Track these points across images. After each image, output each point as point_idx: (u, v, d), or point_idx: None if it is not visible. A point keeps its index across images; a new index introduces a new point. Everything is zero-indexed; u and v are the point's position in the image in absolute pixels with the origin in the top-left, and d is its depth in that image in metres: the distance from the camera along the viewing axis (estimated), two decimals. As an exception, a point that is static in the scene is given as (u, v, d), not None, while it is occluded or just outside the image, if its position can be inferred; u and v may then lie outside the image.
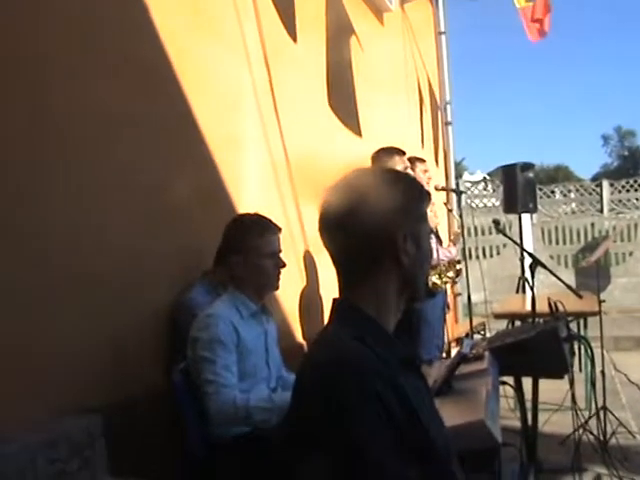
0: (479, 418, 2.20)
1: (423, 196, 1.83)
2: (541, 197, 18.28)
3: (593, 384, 5.24)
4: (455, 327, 8.58)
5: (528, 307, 4.79)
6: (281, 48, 5.38)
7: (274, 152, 5.11)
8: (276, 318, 3.79)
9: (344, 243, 1.74)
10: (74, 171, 3.15)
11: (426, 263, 1.84)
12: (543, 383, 4.09)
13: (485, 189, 19.98)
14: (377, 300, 1.73)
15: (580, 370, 6.85)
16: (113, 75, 3.46)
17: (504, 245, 14.79)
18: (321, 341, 1.73)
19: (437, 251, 5.58)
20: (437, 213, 5.63)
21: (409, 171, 5.34)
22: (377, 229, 1.70)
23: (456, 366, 2.75)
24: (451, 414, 2.32)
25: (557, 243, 14.80)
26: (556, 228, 14.95)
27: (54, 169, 3.04)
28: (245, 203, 4.50)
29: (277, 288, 3.57)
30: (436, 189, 5.88)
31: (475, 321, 7.35)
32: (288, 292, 4.64)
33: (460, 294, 10.03)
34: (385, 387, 1.54)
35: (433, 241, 5.21)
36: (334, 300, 1.78)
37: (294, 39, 5.59)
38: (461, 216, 6.24)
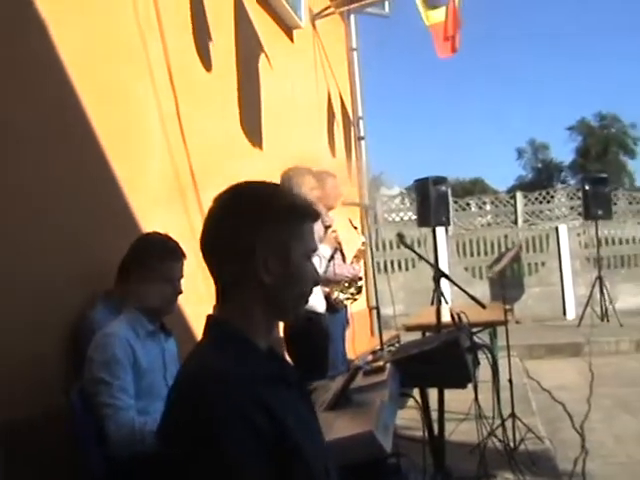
0: (368, 429, 2.23)
1: (299, 215, 1.80)
2: (457, 210, 18.64)
3: (498, 392, 5.35)
4: (371, 340, 8.64)
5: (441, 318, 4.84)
6: (188, 67, 5.38)
7: (180, 168, 5.09)
8: (181, 336, 3.77)
9: (211, 257, 1.76)
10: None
11: (299, 284, 1.78)
12: (455, 393, 4.13)
13: (402, 203, 20.21)
14: (245, 316, 1.73)
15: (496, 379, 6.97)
16: (21, 97, 3.49)
17: (420, 258, 14.93)
18: (192, 357, 1.74)
19: (340, 267, 5.65)
20: (339, 232, 5.68)
21: (314, 191, 5.39)
22: (236, 245, 1.71)
23: (351, 379, 2.78)
24: (344, 426, 2.35)
25: (472, 255, 15.01)
26: (470, 241, 15.17)
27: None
28: (150, 221, 4.46)
29: (169, 313, 3.54)
30: (343, 204, 5.94)
31: (390, 334, 7.42)
32: (193, 309, 4.61)
33: (375, 307, 10.11)
34: (252, 402, 1.56)
35: (323, 258, 5.25)
36: (207, 316, 1.79)
37: (202, 56, 5.59)
38: (377, 231, 6.32)
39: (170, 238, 3.51)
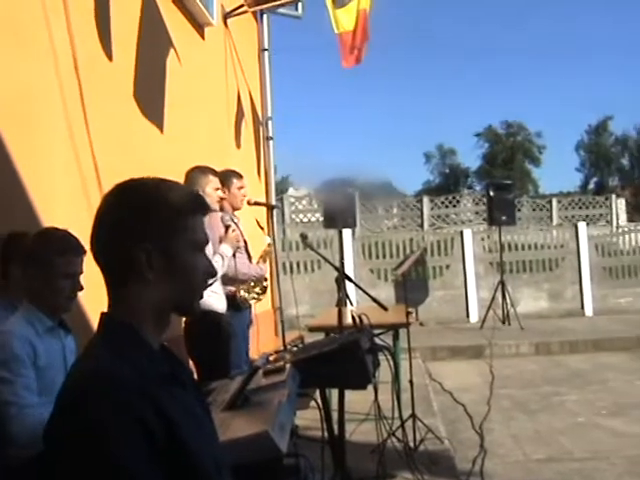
0: (263, 429, 2.21)
1: (184, 208, 1.76)
2: (364, 212, 18.79)
3: (398, 393, 5.41)
4: (275, 340, 8.64)
5: (344, 320, 4.86)
6: (94, 59, 5.26)
7: (83, 164, 4.98)
8: (80, 333, 3.67)
9: (96, 255, 1.74)
10: None
11: (187, 278, 1.75)
12: (356, 394, 4.15)
13: (310, 204, 20.24)
14: (135, 314, 1.70)
15: (396, 380, 7.04)
16: None
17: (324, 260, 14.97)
18: (83, 355, 1.71)
19: (248, 267, 5.63)
20: (246, 232, 5.67)
21: (219, 192, 5.36)
22: (114, 243, 1.69)
23: (249, 379, 2.76)
24: (240, 426, 2.33)
25: (377, 257, 15.12)
26: (376, 243, 15.27)
27: None
28: (52, 215, 4.35)
29: (68, 310, 3.45)
30: (249, 204, 5.91)
31: (294, 334, 7.43)
32: (94, 305, 4.51)
33: (280, 308, 10.14)
34: (142, 402, 1.53)
35: (225, 258, 5.23)
36: (101, 313, 1.75)
37: (107, 50, 5.47)
38: (284, 231, 6.32)
39: (70, 233, 3.42)
